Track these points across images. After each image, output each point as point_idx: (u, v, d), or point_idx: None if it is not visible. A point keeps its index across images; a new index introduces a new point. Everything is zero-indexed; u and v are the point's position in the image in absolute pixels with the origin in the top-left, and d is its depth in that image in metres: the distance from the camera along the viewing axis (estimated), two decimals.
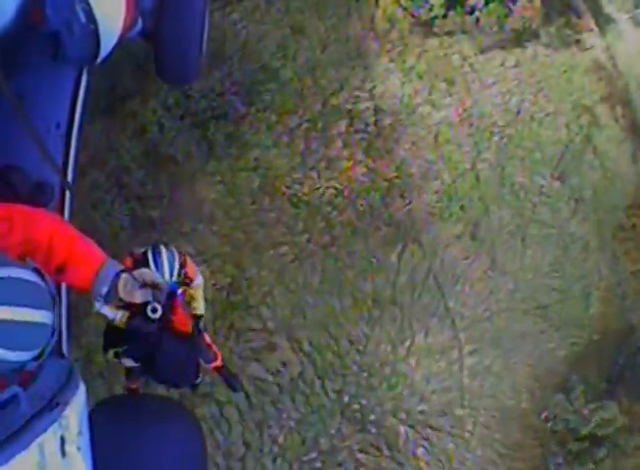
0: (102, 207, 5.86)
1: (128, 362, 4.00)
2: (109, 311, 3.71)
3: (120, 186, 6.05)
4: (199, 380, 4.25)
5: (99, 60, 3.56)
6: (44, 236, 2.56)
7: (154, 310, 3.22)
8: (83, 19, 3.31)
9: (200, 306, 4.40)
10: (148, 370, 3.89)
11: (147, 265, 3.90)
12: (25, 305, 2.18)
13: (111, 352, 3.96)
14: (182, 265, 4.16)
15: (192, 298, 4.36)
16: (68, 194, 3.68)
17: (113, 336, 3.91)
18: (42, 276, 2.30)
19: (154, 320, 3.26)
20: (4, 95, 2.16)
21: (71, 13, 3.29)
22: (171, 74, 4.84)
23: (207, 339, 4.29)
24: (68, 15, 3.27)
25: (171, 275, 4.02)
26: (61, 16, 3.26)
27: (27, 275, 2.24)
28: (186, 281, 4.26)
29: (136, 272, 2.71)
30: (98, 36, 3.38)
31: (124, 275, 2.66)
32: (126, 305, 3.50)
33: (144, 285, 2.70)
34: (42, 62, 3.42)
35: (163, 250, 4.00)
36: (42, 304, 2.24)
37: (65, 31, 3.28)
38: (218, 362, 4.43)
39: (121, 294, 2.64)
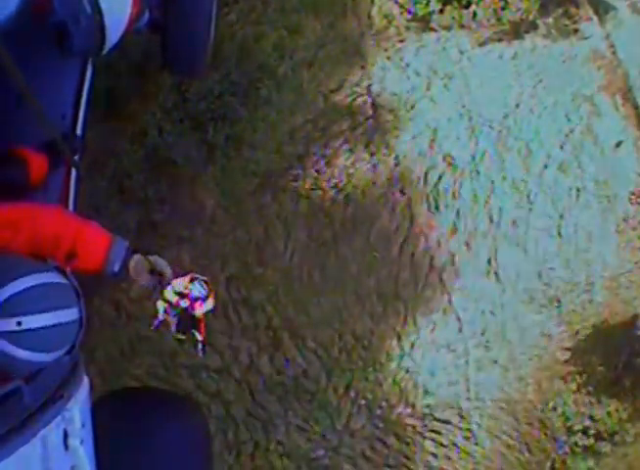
0: (105, 213, 5.91)
1: None
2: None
3: (122, 191, 6.12)
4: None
5: (105, 51, 3.59)
6: (49, 229, 2.68)
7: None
8: (89, 9, 3.32)
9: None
10: None
11: None
12: (56, 308, 2.30)
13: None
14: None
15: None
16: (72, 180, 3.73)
17: None
18: (63, 273, 2.42)
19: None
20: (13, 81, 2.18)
21: (77, 2, 3.30)
22: (180, 65, 4.87)
23: None
24: (75, 4, 3.29)
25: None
26: (67, 5, 3.28)
27: (52, 277, 2.34)
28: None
29: (151, 258, 2.82)
30: (104, 27, 3.40)
31: (137, 256, 2.80)
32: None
33: (152, 271, 2.82)
34: (47, 52, 3.45)
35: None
36: (70, 302, 2.41)
37: (70, 22, 3.30)
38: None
39: (131, 272, 2.76)
